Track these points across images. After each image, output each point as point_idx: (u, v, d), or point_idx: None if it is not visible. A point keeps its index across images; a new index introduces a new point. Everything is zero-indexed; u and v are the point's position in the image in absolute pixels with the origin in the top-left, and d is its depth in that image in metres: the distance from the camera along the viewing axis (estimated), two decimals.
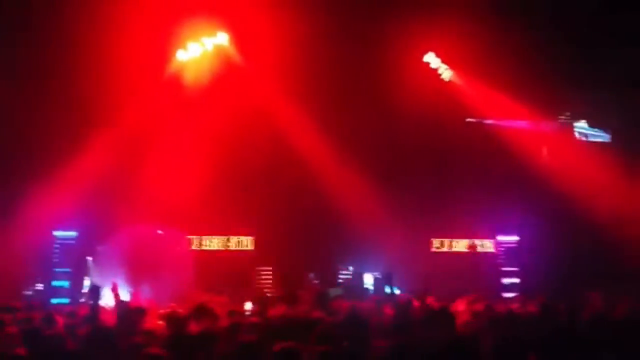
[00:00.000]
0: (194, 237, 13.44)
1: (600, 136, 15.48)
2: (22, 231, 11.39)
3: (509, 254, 14.93)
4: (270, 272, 13.48)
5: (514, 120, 14.81)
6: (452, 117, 14.14)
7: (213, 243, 13.68)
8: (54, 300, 11.30)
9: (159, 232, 12.49)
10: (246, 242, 13.81)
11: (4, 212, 11.38)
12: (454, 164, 14.09)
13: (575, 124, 15.49)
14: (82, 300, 10.80)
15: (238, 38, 13.55)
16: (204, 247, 13.59)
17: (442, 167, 14.11)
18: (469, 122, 14.88)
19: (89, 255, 12.13)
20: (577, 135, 15.46)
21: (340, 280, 13.55)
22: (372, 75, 13.33)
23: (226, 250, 13.72)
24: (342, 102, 13.31)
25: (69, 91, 11.99)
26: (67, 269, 12.39)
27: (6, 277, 9.89)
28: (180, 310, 6.63)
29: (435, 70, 14.59)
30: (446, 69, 14.64)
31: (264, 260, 13.67)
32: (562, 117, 15.48)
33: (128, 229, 11.93)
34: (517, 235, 14.93)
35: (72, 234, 12.71)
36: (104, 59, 11.68)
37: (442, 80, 14.63)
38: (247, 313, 8.23)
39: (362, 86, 13.44)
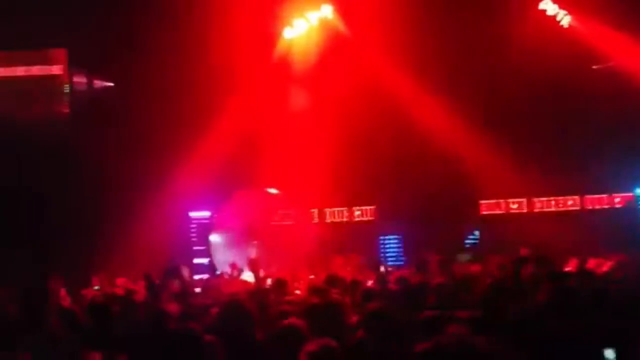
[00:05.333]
0: (318, 209, 13.80)
1: None
2: (162, 214, 12.28)
3: None
4: (395, 241, 13.61)
5: None
6: (577, 64, 13.23)
7: (337, 214, 13.98)
8: (196, 277, 12.11)
9: (272, 191, 13.01)
10: (368, 212, 13.99)
11: (145, 198, 12.30)
12: (585, 116, 13.20)
13: None
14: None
15: (342, 8, 13.52)
16: (328, 220, 13.94)
17: (573, 121, 13.27)
18: (596, 68, 13.87)
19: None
20: None
21: (468, 245, 13.36)
22: (488, 30, 12.78)
23: (350, 221, 13.96)
24: (457, 62, 12.87)
25: (184, 79, 12.57)
26: (204, 247, 13.29)
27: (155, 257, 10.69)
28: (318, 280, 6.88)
29: (554, 17, 13.72)
30: (565, 15, 13.72)
31: (388, 229, 13.80)
32: None
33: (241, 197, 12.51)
34: None
35: (206, 214, 13.55)
36: (212, 45, 11.95)
37: (562, 26, 13.74)
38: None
39: (477, 43, 12.93)
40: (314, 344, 3.18)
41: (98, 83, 13.71)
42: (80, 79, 13.46)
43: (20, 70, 13.33)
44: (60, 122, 13.18)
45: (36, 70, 13.33)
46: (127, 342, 4.03)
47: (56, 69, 13.32)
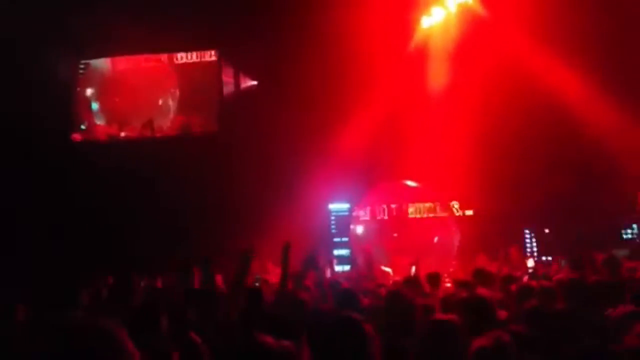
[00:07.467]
0: (459, 202, 13.50)
1: None
2: (303, 206, 12.65)
3: None
4: (533, 234, 13.01)
5: None
6: None
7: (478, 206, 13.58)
8: (338, 268, 12.33)
9: (410, 184, 12.88)
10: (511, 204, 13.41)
11: (288, 190, 12.74)
12: None
13: None
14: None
15: None
16: (467, 212, 13.58)
17: None
18: None
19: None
20: None
21: (625, 239, 12.38)
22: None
23: (492, 213, 13.47)
24: (613, 39, 11.79)
25: (324, 74, 12.79)
26: (345, 239, 13.51)
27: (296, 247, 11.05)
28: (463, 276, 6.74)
29: None
30: None
31: (534, 222, 13.18)
32: None
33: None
34: None
35: (345, 206, 13.77)
36: (351, 37, 11.96)
37: None
38: (530, 270, 8.23)
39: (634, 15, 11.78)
40: (485, 338, 3.08)
41: (244, 82, 14.41)
42: (227, 78, 14.23)
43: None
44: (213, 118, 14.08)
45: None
46: (290, 327, 4.18)
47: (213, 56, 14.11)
